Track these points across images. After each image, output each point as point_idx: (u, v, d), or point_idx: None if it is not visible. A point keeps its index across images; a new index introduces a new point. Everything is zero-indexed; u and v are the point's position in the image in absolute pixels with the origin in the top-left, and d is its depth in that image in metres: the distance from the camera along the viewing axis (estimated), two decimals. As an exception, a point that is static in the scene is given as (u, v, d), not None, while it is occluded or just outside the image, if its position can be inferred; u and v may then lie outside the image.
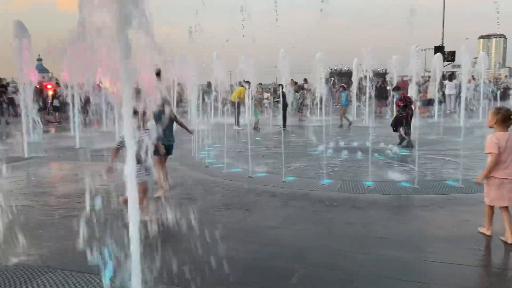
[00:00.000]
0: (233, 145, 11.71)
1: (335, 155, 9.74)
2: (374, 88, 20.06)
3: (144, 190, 4.92)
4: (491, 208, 4.50)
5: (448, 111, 22.70)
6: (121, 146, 4.65)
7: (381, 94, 21.50)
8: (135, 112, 3.33)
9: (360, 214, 5.46)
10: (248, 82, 17.60)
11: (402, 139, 10.90)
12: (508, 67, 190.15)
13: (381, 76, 30.69)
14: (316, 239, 4.57)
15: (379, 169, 8.08)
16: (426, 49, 40.59)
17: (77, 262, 3.78)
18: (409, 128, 10.82)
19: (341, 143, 11.90)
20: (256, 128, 15.64)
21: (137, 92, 3.07)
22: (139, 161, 4.75)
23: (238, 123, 16.39)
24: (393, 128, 11.23)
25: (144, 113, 3.59)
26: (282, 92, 17.12)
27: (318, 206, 5.83)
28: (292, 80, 23.98)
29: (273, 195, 6.39)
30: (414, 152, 9.96)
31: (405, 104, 10.85)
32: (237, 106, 16.59)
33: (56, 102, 18.84)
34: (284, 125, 15.96)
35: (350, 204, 5.90)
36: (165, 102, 5.21)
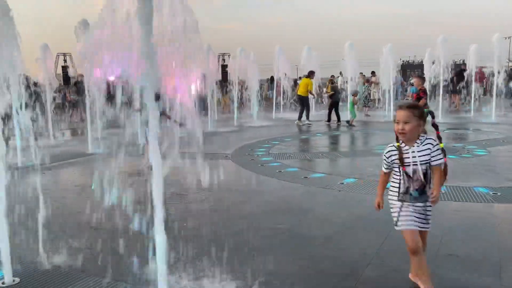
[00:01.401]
0: (293, 142, 11.28)
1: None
2: (449, 80, 18.54)
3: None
4: None
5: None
6: (390, 168, 3.21)
7: (456, 86, 19.83)
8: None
9: (427, 225, 4.78)
10: (312, 72, 16.84)
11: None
12: None
13: (457, 67, 28.47)
14: (373, 253, 4.02)
15: (453, 171, 7.21)
16: (509, 37, 37.16)
17: (113, 269, 3.59)
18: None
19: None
20: (350, 124, 14.52)
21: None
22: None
23: (308, 118, 15.63)
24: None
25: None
26: (333, 86, 16.26)
27: (379, 213, 5.22)
28: (361, 73, 22.92)
29: (329, 199, 5.87)
30: (494, 152, 8.89)
31: (418, 98, 9.37)
32: (306, 100, 15.89)
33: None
34: (338, 119, 15.33)
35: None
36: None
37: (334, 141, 11.73)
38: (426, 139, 3.04)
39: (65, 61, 54.26)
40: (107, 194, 3.87)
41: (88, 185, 6.86)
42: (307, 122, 15.35)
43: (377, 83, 21.33)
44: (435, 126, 3.19)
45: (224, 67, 52.10)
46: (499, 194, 5.73)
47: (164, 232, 2.78)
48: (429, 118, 3.16)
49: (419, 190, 3.07)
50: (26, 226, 4.41)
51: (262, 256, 3.96)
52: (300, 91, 15.80)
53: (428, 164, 3.03)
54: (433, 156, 3.02)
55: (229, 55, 54.48)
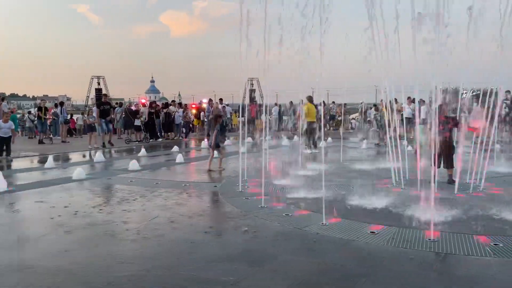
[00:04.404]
0: (296, 173, 10.50)
1: (407, 188, 7.97)
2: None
3: None
4: None
5: None
6: None
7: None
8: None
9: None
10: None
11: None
12: None
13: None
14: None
15: (459, 213, 6.29)
16: None
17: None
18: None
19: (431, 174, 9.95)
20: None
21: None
22: None
23: (315, 145, 15.10)
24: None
25: None
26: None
27: (352, 264, 4.42)
28: (409, 97, 21.66)
29: (303, 244, 5.11)
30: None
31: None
32: (313, 125, 15.30)
33: (137, 122, 19.44)
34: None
35: (398, 267, 4.36)
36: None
37: (348, 172, 10.82)
38: None
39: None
40: None
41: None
42: (313, 150, 14.83)
43: (399, 110, 20.14)
44: None
45: (251, 92, 52.84)
46: (500, 245, 4.80)
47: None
48: None
49: None
50: None
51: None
52: (311, 115, 15.15)
53: None
54: None
55: (257, 80, 55.24)
